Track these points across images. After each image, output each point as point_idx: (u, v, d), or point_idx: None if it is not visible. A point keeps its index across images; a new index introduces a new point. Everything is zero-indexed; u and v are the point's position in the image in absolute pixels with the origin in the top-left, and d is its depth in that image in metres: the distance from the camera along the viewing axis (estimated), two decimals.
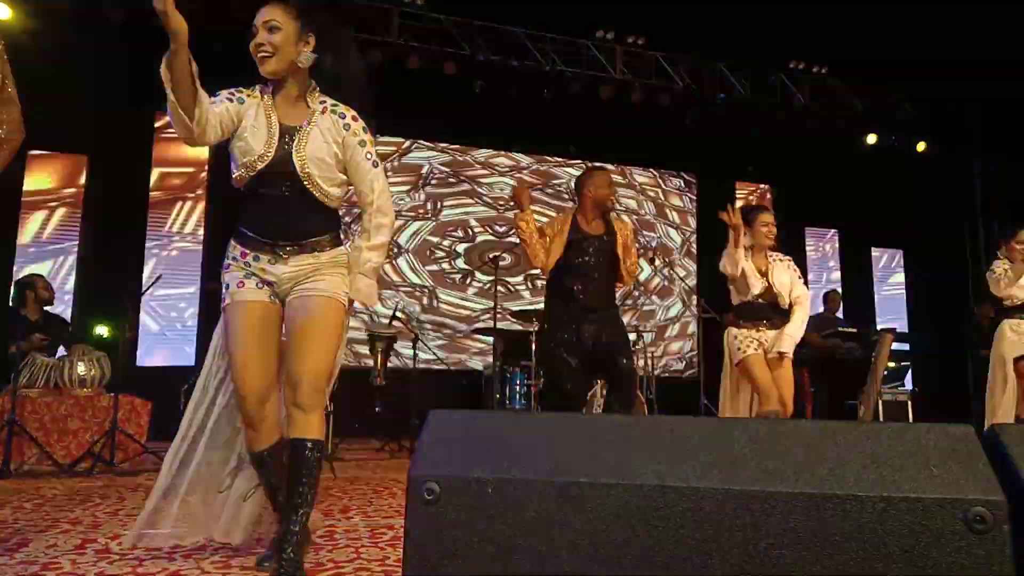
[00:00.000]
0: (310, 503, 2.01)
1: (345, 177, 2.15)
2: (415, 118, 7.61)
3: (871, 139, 8.64)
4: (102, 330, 5.64)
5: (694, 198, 8.97)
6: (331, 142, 2.10)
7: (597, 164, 4.01)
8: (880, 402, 6.22)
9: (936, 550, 1.03)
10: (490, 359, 6.95)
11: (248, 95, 2.10)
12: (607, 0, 7.54)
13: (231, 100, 2.06)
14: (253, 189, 2.08)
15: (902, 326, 9.44)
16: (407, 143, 7.95)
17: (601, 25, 7.74)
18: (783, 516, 1.05)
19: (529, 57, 7.51)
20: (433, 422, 1.25)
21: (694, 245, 8.84)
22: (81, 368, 4.57)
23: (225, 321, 2.10)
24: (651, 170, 8.87)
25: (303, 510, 1.98)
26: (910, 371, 7.24)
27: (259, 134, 2.05)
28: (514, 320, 6.34)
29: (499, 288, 6.22)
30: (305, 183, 2.06)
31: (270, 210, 2.07)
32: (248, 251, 2.09)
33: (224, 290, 2.10)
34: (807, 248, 9.23)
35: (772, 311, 3.89)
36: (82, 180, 6.74)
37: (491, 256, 6.19)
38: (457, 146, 8.13)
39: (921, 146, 8.82)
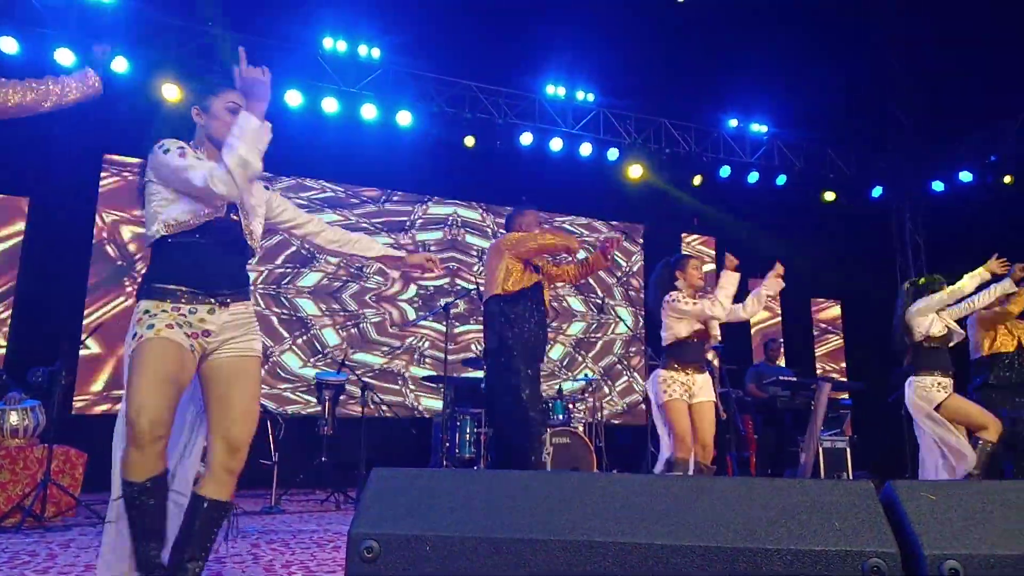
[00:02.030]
0: (205, 563, 2.04)
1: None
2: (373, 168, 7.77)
3: (809, 195, 9.07)
4: (34, 376, 5.45)
5: (640, 250, 9.23)
6: (263, 203, 2.32)
7: (527, 203, 4.18)
8: (820, 449, 6.40)
9: None
10: (439, 406, 6.95)
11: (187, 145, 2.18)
12: (558, 58, 7.86)
13: (195, 155, 2.12)
14: (186, 238, 2.10)
15: (841, 375, 9.79)
16: (380, 193, 8.02)
17: (551, 81, 8.03)
18: (700, 569, 1.13)
19: (481, 109, 7.71)
20: (374, 479, 1.30)
21: (633, 292, 9.06)
22: (14, 418, 4.41)
23: (142, 352, 1.99)
24: (598, 222, 9.11)
25: (200, 565, 2.01)
26: (848, 418, 7.48)
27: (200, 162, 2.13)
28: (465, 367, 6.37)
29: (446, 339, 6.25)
30: (245, 234, 2.20)
31: (211, 261, 2.13)
32: (180, 305, 2.07)
33: (144, 330, 2.01)
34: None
35: (702, 353, 4.04)
36: (22, 224, 6.59)
37: (443, 304, 6.25)
38: (412, 194, 8.22)
39: (854, 201, 9.30)
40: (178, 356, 2.03)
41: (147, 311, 2.04)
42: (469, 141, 7.75)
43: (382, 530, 1.17)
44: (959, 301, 4.35)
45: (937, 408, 4.15)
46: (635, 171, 8.43)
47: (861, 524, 1.19)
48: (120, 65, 6.41)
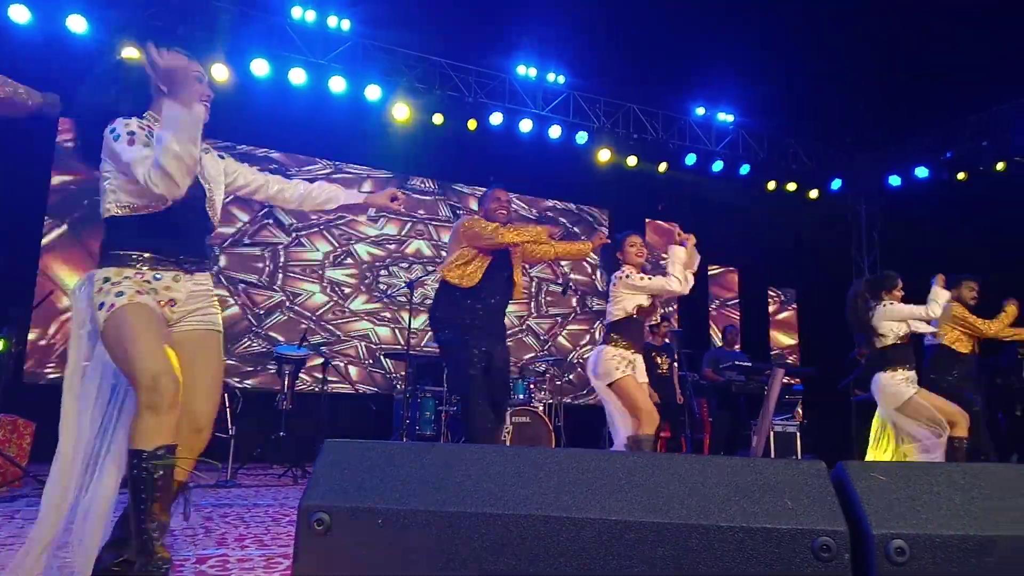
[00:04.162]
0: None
1: None
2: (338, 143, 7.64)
3: (771, 185, 9.20)
4: None
5: (607, 233, 9.28)
6: (220, 171, 2.27)
7: (498, 184, 4.09)
8: (772, 433, 6.55)
9: None
10: (400, 384, 6.92)
11: (140, 125, 2.04)
12: (530, 39, 7.79)
13: (145, 140, 1.98)
14: (146, 214, 2.02)
15: (795, 361, 10.02)
16: (324, 165, 7.88)
17: (523, 62, 7.97)
18: (653, 545, 1.14)
19: (451, 87, 7.62)
20: (327, 451, 1.28)
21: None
22: None
23: (125, 318, 1.91)
24: (566, 204, 9.12)
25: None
26: (800, 403, 7.67)
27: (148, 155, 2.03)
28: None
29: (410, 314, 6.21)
30: (206, 204, 2.14)
31: (175, 228, 2.06)
32: (144, 271, 2.00)
33: (114, 298, 1.93)
34: (710, 287, 9.72)
35: (643, 332, 4.02)
36: None
37: (408, 280, 6.20)
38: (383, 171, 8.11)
39: (814, 193, 9.47)
40: (159, 320, 1.98)
41: (107, 279, 1.95)
42: (438, 119, 7.65)
43: (333, 502, 1.15)
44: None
45: (903, 405, 4.24)
46: (603, 155, 8.44)
47: (812, 503, 1.20)
48: (78, 25, 6.18)
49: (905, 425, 4.25)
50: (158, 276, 2.01)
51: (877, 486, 1.22)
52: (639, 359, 3.88)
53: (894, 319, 4.35)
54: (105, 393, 1.96)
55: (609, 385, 3.80)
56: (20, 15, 6.00)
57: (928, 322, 4.51)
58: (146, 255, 2.01)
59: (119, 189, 2.01)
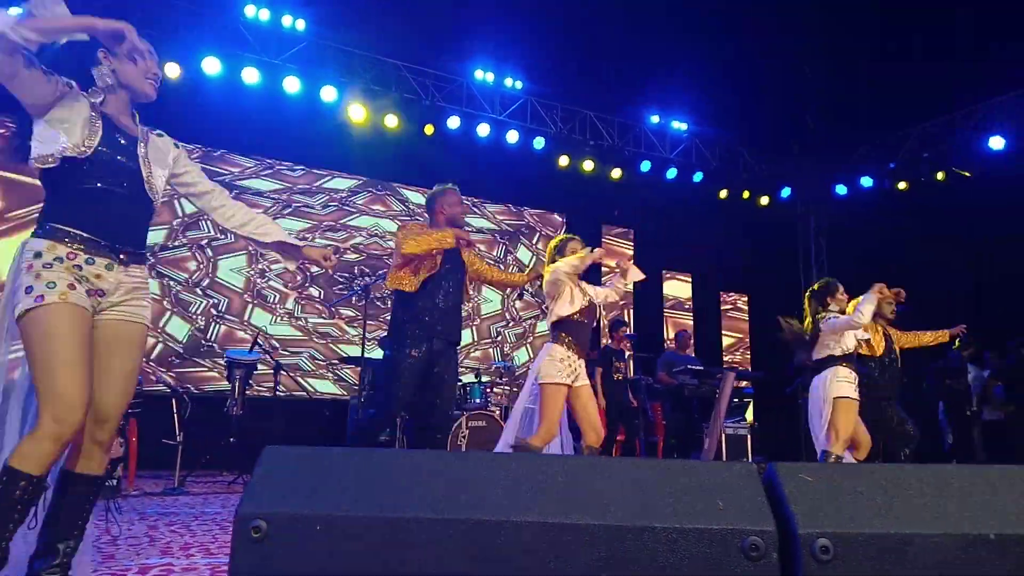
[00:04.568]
0: (79, 542, 1.94)
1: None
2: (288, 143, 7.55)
3: (723, 193, 9.40)
4: None
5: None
6: (169, 158, 2.18)
7: (448, 184, 3.93)
8: (723, 435, 6.68)
9: None
10: (355, 387, 6.85)
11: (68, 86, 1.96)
12: (488, 44, 7.82)
13: (53, 76, 1.90)
14: (82, 180, 1.93)
15: (746, 365, 10.24)
16: (294, 168, 7.77)
17: (480, 66, 7.99)
18: (589, 546, 1.16)
19: (407, 89, 7.60)
20: (266, 457, 1.27)
21: None
22: None
23: (46, 322, 1.81)
24: (522, 208, 9.16)
25: (73, 545, 1.90)
26: (751, 407, 7.84)
27: (83, 122, 1.95)
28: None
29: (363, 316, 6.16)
30: (146, 186, 2.05)
31: (112, 209, 1.97)
32: (78, 252, 1.90)
33: (44, 288, 1.82)
34: (664, 291, 9.87)
35: (588, 333, 3.92)
36: None
37: (361, 284, 6.15)
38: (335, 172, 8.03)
39: (764, 200, 9.71)
40: (88, 326, 1.89)
41: (38, 254, 1.85)
42: (392, 121, 7.61)
43: (271, 509, 1.14)
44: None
45: (836, 401, 4.23)
46: (560, 161, 8.51)
47: (742, 504, 1.24)
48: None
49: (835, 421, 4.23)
50: (90, 261, 1.92)
51: (805, 486, 1.27)
52: (582, 365, 3.82)
53: (836, 332, 4.38)
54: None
55: (541, 383, 3.70)
56: None
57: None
58: (83, 234, 1.91)
59: (45, 141, 1.90)
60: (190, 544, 3.01)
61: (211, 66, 6.70)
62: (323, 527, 1.13)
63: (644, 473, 1.27)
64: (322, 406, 7.42)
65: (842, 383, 4.25)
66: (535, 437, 3.62)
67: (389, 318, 3.83)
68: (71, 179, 1.93)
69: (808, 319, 4.55)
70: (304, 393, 7.45)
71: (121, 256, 1.99)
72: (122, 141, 2.03)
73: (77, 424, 1.81)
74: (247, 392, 5.71)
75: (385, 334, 7.38)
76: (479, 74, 8.01)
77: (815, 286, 4.69)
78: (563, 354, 3.73)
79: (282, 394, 6.18)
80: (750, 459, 6.76)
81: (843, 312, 4.49)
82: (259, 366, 5.92)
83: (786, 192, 9.75)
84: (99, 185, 1.95)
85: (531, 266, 4.19)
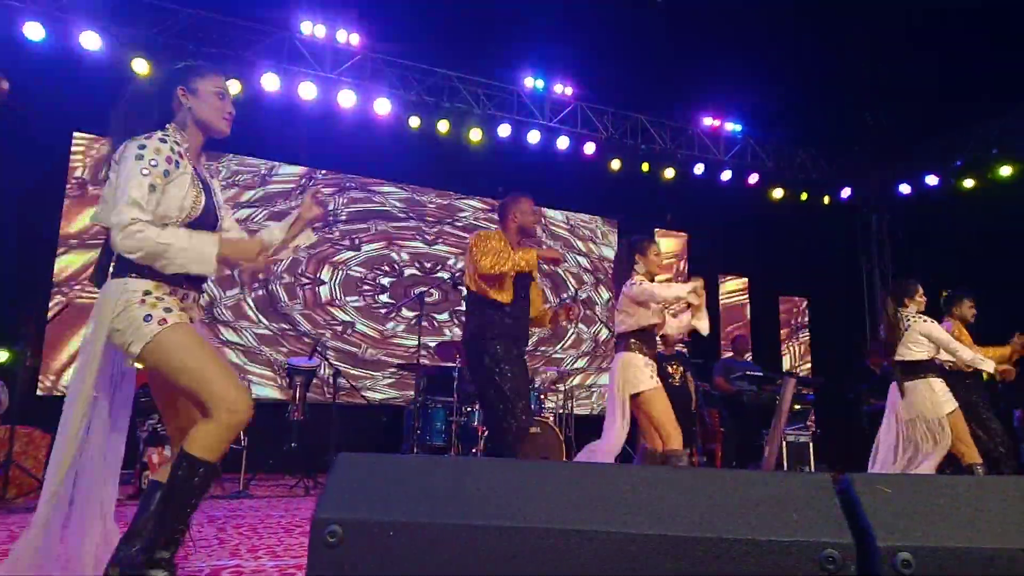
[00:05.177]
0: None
1: None
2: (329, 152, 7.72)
3: (779, 194, 9.20)
4: (1, 356, 5.35)
5: (612, 244, 9.30)
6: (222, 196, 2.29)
7: (522, 193, 3.88)
8: (784, 443, 6.52)
9: None
10: (411, 394, 6.94)
11: (172, 141, 2.06)
12: (538, 52, 7.85)
13: (169, 165, 2.02)
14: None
15: (807, 370, 9.97)
16: (317, 175, 7.94)
17: (530, 74, 8.03)
18: (660, 557, 1.15)
19: (459, 99, 7.68)
20: (340, 464, 1.30)
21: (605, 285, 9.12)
22: None
23: (182, 337, 1.96)
24: (575, 215, 9.15)
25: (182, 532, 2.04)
26: (813, 413, 7.64)
27: (190, 183, 2.05)
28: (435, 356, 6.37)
29: (424, 323, 6.24)
30: (218, 231, 2.16)
31: None
32: (176, 289, 2.04)
33: (163, 313, 1.95)
34: (720, 296, 9.70)
35: (655, 340, 3.90)
36: None
37: (416, 292, 6.24)
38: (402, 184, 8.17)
39: (825, 200, 9.46)
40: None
41: (147, 291, 1.97)
42: (444, 129, 7.71)
43: (346, 515, 1.17)
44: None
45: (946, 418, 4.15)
46: (611, 165, 8.47)
47: (817, 516, 1.21)
48: (91, 42, 6.29)
49: (943, 439, 4.14)
50: (186, 296, 2.08)
51: (883, 498, 1.23)
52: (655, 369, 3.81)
53: (928, 337, 4.27)
54: (106, 399, 2.01)
55: (634, 396, 3.67)
56: (35, 32, 6.12)
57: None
58: (180, 285, 2.05)
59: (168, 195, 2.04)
60: (257, 547, 3.09)
61: (269, 82, 6.91)
62: (396, 533, 1.15)
63: (714, 483, 1.25)
64: (379, 412, 7.54)
65: (942, 399, 4.16)
66: (674, 440, 3.54)
67: (469, 320, 3.74)
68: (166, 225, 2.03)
69: (892, 319, 4.40)
70: (362, 400, 7.57)
71: (201, 291, 2.18)
72: (215, 197, 2.17)
73: (250, 407, 1.96)
74: (307, 398, 5.86)
75: (457, 340, 7.45)
76: (529, 82, 8.04)
77: (893, 286, 4.60)
78: (640, 360, 3.72)
79: (341, 400, 6.30)
80: (812, 468, 6.59)
81: (921, 312, 4.37)
82: (318, 372, 6.06)
83: (846, 192, 9.48)
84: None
85: (547, 309, 4.08)
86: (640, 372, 3.69)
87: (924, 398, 4.22)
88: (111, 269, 2.00)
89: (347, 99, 7.24)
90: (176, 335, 1.94)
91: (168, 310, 1.97)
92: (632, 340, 3.80)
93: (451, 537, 1.15)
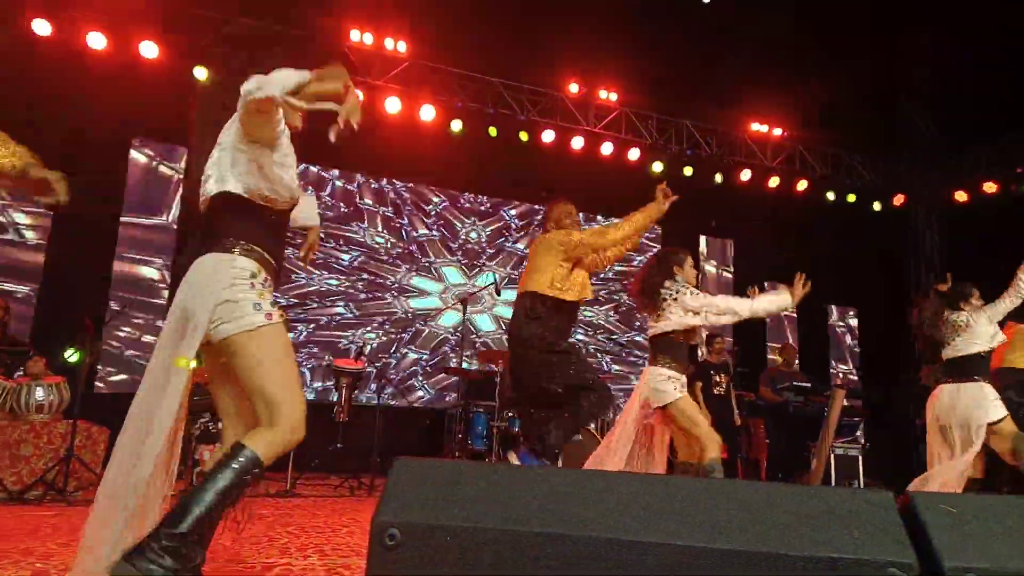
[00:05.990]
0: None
1: None
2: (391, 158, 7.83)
3: (830, 196, 9.01)
4: (67, 353, 5.56)
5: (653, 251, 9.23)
6: None
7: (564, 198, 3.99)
8: (832, 456, 6.38)
9: None
10: (453, 396, 7.00)
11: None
12: (582, 58, 7.85)
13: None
14: (271, 210, 2.05)
15: (855, 382, 9.72)
16: (400, 186, 8.06)
17: (574, 80, 8.03)
18: (718, 571, 1.15)
19: (504, 105, 7.73)
20: (399, 468, 1.33)
21: None
22: (40, 393, 4.51)
23: (281, 340, 1.97)
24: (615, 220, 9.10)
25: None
26: (862, 426, 7.45)
27: (293, 164, 2.09)
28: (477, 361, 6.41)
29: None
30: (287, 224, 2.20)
31: (279, 238, 2.12)
32: (269, 277, 2.03)
33: (269, 307, 1.95)
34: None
35: (687, 352, 3.82)
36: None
37: (459, 297, 6.29)
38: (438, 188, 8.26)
39: (876, 206, 9.23)
40: None
41: (253, 273, 1.95)
42: (492, 131, 7.77)
43: (404, 519, 1.19)
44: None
45: (989, 425, 3.87)
46: (655, 171, 8.41)
47: (879, 533, 1.19)
48: (150, 51, 6.51)
49: (977, 445, 3.89)
50: (269, 284, 2.02)
51: (947, 517, 1.20)
52: (684, 381, 3.73)
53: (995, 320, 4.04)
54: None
55: (663, 408, 3.63)
56: (96, 41, 6.36)
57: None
58: (272, 263, 2.03)
59: (261, 177, 2.00)
60: (306, 545, 3.15)
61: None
62: (453, 537, 1.17)
63: (773, 497, 1.24)
64: (422, 415, 7.61)
65: (991, 405, 3.91)
66: (706, 453, 3.52)
67: (532, 323, 3.68)
68: (267, 208, 2.03)
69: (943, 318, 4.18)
70: (405, 401, 7.66)
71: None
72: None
73: (303, 436, 1.96)
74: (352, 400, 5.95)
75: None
76: (573, 87, 8.05)
77: (942, 286, 4.37)
78: (666, 373, 3.65)
79: (384, 402, 6.39)
80: (861, 482, 6.42)
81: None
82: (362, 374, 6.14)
83: (898, 199, 9.24)
84: (277, 219, 2.10)
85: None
86: (666, 384, 3.63)
87: (974, 402, 3.94)
88: (214, 244, 1.98)
89: (393, 105, 7.34)
90: (277, 334, 1.93)
91: (273, 304, 1.97)
92: (656, 353, 3.75)
93: (507, 542, 1.17)
